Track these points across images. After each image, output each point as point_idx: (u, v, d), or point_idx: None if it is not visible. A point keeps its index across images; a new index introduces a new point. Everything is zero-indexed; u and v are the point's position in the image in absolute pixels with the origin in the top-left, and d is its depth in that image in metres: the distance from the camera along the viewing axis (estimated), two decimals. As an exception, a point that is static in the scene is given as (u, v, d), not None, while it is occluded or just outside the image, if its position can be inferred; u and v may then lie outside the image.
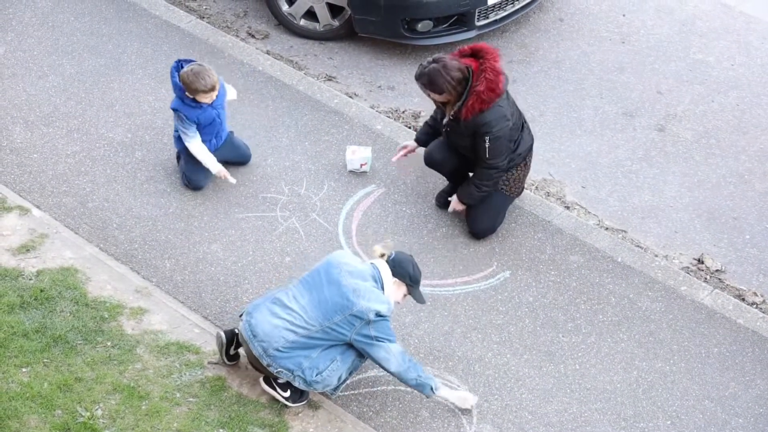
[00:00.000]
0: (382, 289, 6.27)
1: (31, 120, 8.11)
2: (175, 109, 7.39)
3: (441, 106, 7.28)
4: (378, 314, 6.13)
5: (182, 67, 7.32)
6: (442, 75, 6.94)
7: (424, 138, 7.63)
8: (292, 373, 6.26)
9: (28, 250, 7.16)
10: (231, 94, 7.77)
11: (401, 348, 6.26)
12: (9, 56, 8.61)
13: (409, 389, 6.59)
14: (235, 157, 7.79)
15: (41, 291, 6.88)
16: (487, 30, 9.02)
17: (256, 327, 6.27)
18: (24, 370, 6.47)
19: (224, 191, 7.70)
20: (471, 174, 7.41)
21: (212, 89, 7.26)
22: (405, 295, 6.44)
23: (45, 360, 6.54)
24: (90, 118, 8.16)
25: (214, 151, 7.60)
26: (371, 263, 6.35)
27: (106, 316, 6.82)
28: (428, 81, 7.00)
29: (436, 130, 7.53)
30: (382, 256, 6.37)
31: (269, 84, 8.53)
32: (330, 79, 8.76)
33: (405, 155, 7.71)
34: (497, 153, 7.13)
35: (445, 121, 7.24)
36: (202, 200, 7.65)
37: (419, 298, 6.48)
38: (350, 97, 8.55)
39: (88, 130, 8.07)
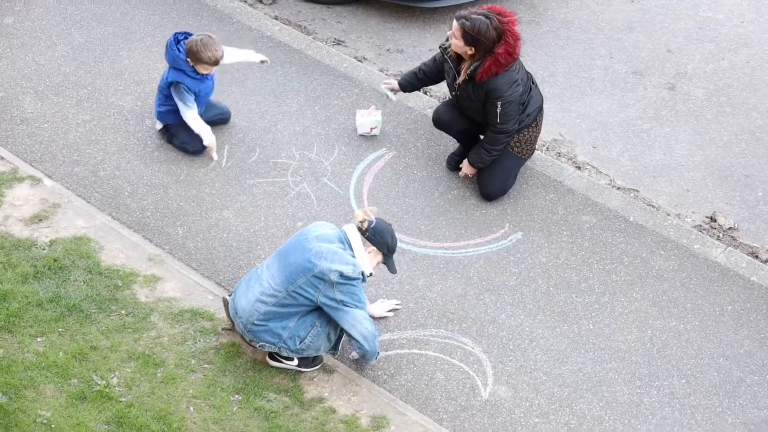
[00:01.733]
0: (351, 251, 6.16)
1: (41, 90, 8.02)
2: (177, 82, 7.33)
3: (455, 67, 7.12)
4: (342, 275, 6.03)
5: (179, 41, 7.35)
6: (487, 29, 6.79)
7: (407, 84, 7.56)
8: (275, 345, 6.23)
9: (40, 220, 7.08)
10: (256, 57, 7.76)
11: (368, 315, 6.18)
12: (18, 26, 8.50)
13: (422, 352, 6.56)
14: (216, 115, 7.76)
15: (54, 260, 6.81)
16: (495, -9, 8.88)
17: (237, 304, 6.27)
18: (39, 339, 6.42)
19: (235, 158, 7.61)
20: (480, 137, 7.32)
21: (215, 63, 7.33)
22: (378, 263, 6.32)
23: (60, 329, 6.48)
24: (100, 87, 8.07)
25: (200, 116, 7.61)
26: (341, 229, 6.26)
27: (120, 284, 6.75)
28: (471, 28, 6.82)
29: (421, 81, 7.50)
30: (363, 222, 6.23)
31: (278, 49, 8.42)
32: (339, 43, 8.64)
33: (393, 91, 7.65)
34: (508, 117, 7.05)
35: (458, 81, 7.11)
36: (213, 167, 7.56)
37: (392, 268, 6.36)
38: (359, 60, 8.44)
39: (98, 99, 7.97)
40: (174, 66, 7.35)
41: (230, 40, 8.42)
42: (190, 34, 7.41)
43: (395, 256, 6.37)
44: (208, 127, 7.49)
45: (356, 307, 6.11)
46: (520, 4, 9.04)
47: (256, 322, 6.17)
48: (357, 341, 6.17)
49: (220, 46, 7.31)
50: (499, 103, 6.96)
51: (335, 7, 8.99)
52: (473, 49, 6.90)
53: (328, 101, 8.05)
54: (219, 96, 7.98)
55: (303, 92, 8.11)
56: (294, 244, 6.21)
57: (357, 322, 6.11)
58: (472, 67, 6.94)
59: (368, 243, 6.19)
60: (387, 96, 7.64)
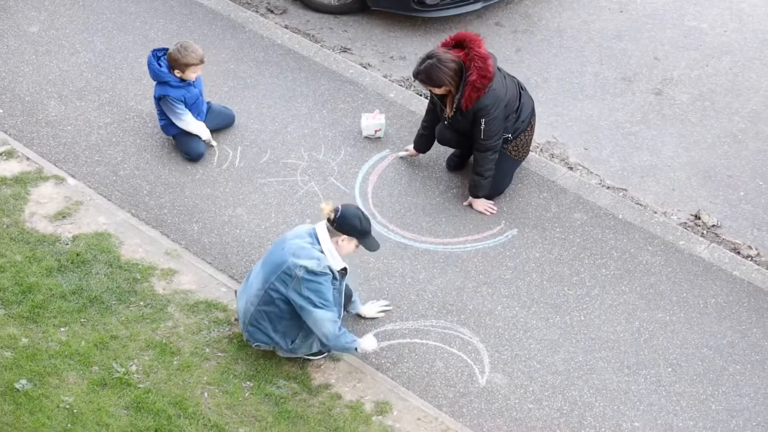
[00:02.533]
0: (320, 246, 5.99)
1: (64, 94, 7.99)
2: (162, 96, 7.31)
3: (441, 101, 7.06)
4: (308, 270, 5.89)
5: (159, 57, 7.31)
6: (439, 68, 6.75)
7: (423, 147, 7.46)
8: (269, 345, 6.21)
9: (64, 217, 7.06)
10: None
11: (331, 315, 5.98)
12: (43, 34, 8.48)
13: (423, 341, 6.54)
14: (222, 122, 7.72)
15: (77, 255, 6.79)
16: (492, 2, 8.84)
17: (238, 306, 6.26)
18: (62, 329, 6.40)
19: (247, 158, 7.59)
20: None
21: (201, 62, 7.28)
22: (357, 246, 6.12)
23: (82, 320, 6.46)
24: (120, 92, 8.04)
25: (205, 119, 7.63)
26: (314, 226, 6.09)
27: (139, 277, 6.73)
28: (426, 77, 6.81)
29: (431, 135, 7.36)
30: (330, 213, 5.99)
31: (288, 56, 8.39)
32: (345, 50, 8.61)
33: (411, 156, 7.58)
34: (492, 133, 6.97)
35: (448, 115, 7.03)
36: (226, 167, 7.54)
37: (371, 247, 6.14)
38: (364, 67, 8.40)
39: (119, 103, 7.95)
40: (158, 80, 7.31)
41: (243, 48, 8.40)
42: (166, 49, 7.35)
43: (389, 236, 6.33)
44: (202, 124, 7.49)
45: (322, 306, 5.94)
46: (515, 14, 9.00)
47: (250, 323, 6.15)
48: (323, 339, 6.06)
49: (197, 46, 7.30)
50: (483, 120, 6.87)
51: (342, 17, 8.95)
52: (446, 87, 6.83)
53: (334, 105, 8.02)
54: (232, 101, 7.96)
55: (311, 97, 8.08)
56: (274, 247, 6.14)
57: (320, 322, 5.96)
58: (456, 100, 6.88)
59: (337, 232, 6.01)
60: (405, 152, 7.58)
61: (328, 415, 6.11)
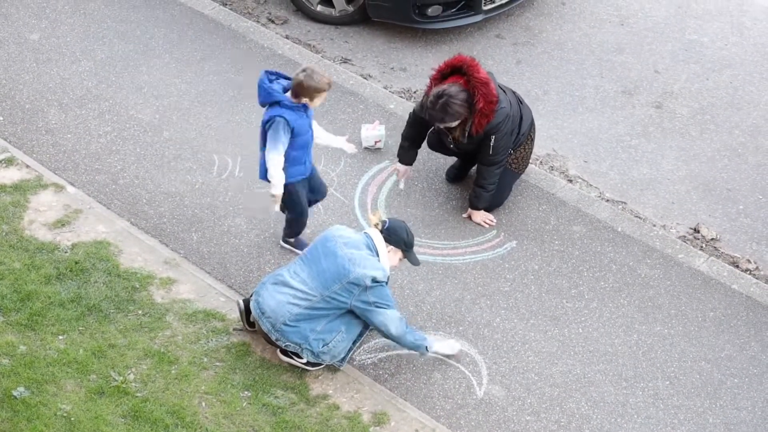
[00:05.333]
0: (377, 255, 6.20)
1: (65, 102, 8.04)
2: (276, 116, 6.34)
3: (448, 130, 7.04)
4: (374, 280, 6.08)
5: (271, 80, 6.41)
6: (453, 105, 6.74)
7: (409, 158, 7.38)
8: (300, 346, 6.22)
9: (63, 225, 7.10)
10: (348, 147, 6.98)
11: (398, 314, 6.21)
12: (44, 42, 8.53)
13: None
14: (315, 194, 7.01)
15: (76, 263, 6.83)
16: (493, 14, 8.89)
17: (263, 305, 6.24)
18: (60, 337, 6.43)
19: (247, 168, 7.62)
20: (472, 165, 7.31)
21: (330, 85, 6.37)
22: (401, 259, 6.37)
23: (80, 328, 6.49)
24: (120, 101, 8.09)
25: (310, 176, 6.78)
26: (364, 233, 6.29)
27: (137, 286, 6.76)
28: (445, 115, 6.79)
29: (416, 145, 7.31)
30: (377, 225, 6.29)
31: (288, 67, 8.42)
32: (346, 61, 8.66)
33: (406, 177, 7.47)
34: (500, 149, 7.02)
35: (458, 141, 7.04)
36: (226, 177, 7.57)
37: (414, 261, 6.41)
38: (365, 78, 8.45)
39: (119, 112, 7.99)
40: (269, 102, 6.40)
41: (244, 58, 8.45)
42: (279, 73, 6.51)
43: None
44: (282, 178, 6.52)
45: (387, 307, 6.15)
46: (516, 26, 9.06)
47: (287, 322, 6.17)
48: (393, 339, 6.23)
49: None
50: (493, 138, 6.92)
51: (343, 28, 9.00)
52: (462, 116, 6.82)
53: (335, 116, 8.06)
54: (233, 110, 8.00)
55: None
56: (322, 250, 6.21)
57: (389, 320, 6.15)
58: (467, 128, 6.90)
59: (385, 243, 6.24)
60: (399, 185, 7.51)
61: (325, 425, 6.14)
